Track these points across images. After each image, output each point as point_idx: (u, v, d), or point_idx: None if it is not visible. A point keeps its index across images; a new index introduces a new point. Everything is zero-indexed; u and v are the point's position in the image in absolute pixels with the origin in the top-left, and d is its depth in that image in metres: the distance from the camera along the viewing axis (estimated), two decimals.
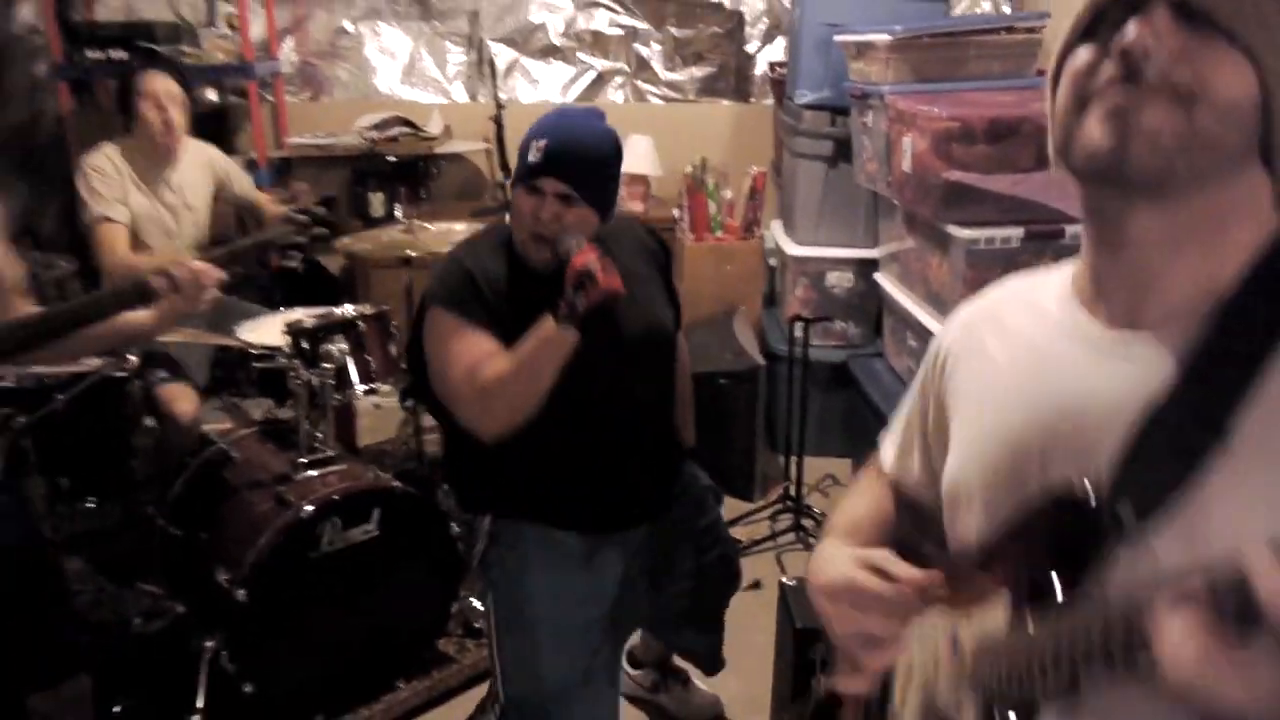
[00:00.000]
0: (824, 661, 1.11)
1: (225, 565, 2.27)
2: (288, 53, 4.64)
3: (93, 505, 2.46)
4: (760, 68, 4.77)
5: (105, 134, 3.19)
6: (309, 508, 2.23)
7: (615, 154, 1.80)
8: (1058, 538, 0.78)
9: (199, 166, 3.17)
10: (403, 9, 4.66)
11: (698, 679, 2.47)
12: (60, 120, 4.33)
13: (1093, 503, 0.74)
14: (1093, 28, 0.78)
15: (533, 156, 1.69)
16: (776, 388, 3.62)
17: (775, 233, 4.22)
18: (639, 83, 4.84)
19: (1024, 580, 0.79)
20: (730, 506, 3.42)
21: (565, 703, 1.85)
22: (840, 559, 0.97)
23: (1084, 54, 0.78)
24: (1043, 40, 3.27)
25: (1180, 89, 0.72)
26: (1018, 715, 0.77)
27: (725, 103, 4.83)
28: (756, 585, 2.90)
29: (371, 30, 4.69)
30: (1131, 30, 0.73)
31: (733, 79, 4.81)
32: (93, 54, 4.13)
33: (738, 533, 3.12)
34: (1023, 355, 0.89)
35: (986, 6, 4.80)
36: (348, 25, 4.67)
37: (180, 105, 2.99)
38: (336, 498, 2.28)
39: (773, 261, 4.38)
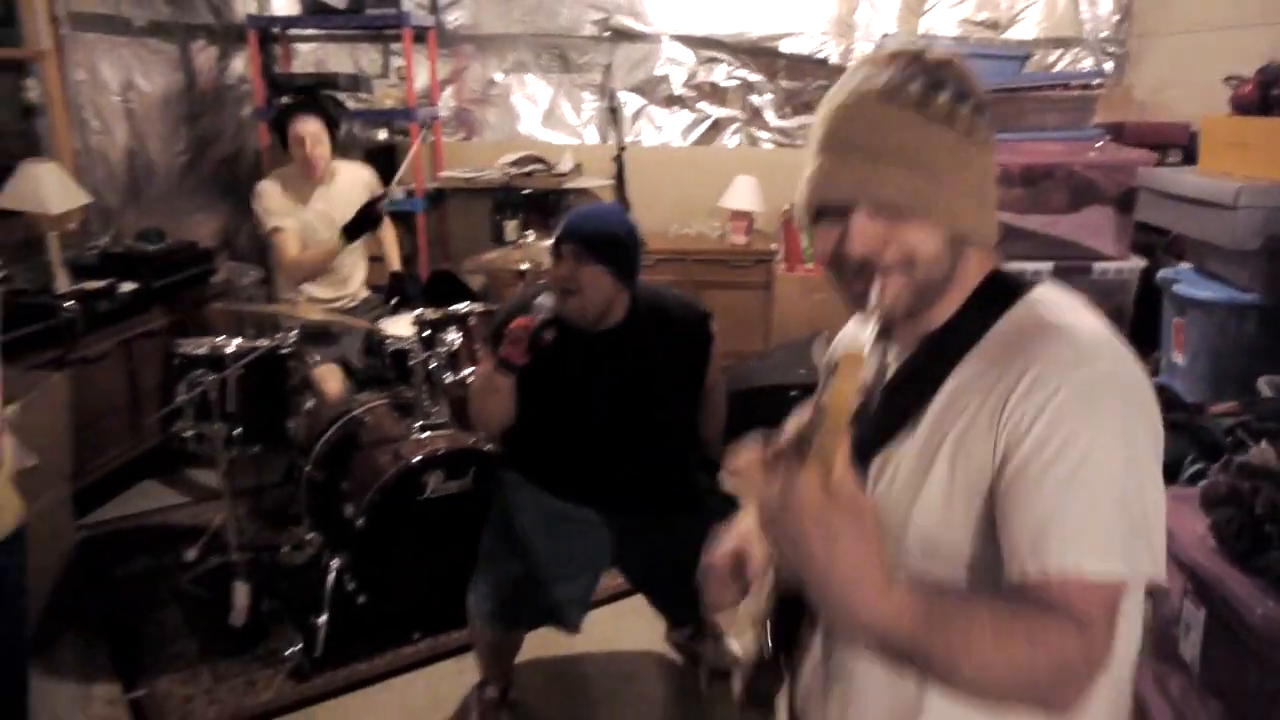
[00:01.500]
0: None
1: (351, 502, 2.86)
2: (446, 99, 5.36)
3: (257, 451, 3.11)
4: None
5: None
6: (417, 459, 2.80)
7: (622, 226, 2.27)
8: None
9: (352, 184, 3.82)
10: (546, 62, 5.32)
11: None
12: (258, 154, 5.17)
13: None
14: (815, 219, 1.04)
15: (556, 235, 2.22)
16: None
17: None
18: (752, 129, 5.33)
19: None
20: None
21: (510, 594, 2.36)
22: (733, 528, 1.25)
23: (821, 236, 1.02)
24: (1099, 96, 3.57)
25: (899, 264, 0.98)
26: (784, 595, 1.11)
27: None
28: None
29: (518, 80, 5.37)
30: (848, 243, 0.98)
31: None
32: (287, 100, 4.94)
33: None
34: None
35: (1089, 63, 5.06)
36: (498, 76, 5.36)
37: (320, 139, 3.65)
38: (440, 453, 2.85)
39: None
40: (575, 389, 2.31)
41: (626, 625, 3.05)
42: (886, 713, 1.03)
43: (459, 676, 2.80)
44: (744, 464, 0.90)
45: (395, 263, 4.09)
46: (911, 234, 0.97)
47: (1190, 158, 3.48)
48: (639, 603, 2.80)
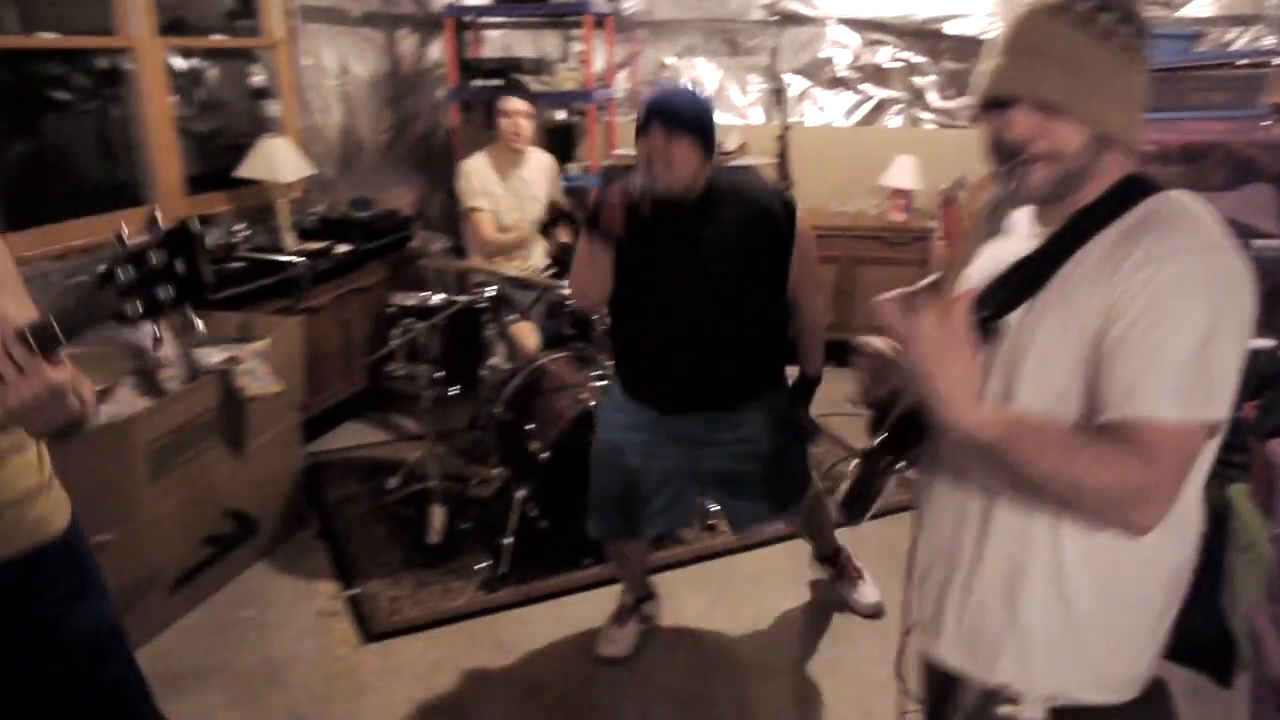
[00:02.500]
0: None
1: (536, 439, 3.24)
2: (620, 82, 5.71)
3: (454, 393, 3.54)
4: None
5: (479, 144, 4.36)
6: (594, 402, 3.15)
7: (703, 101, 2.34)
8: None
9: (540, 168, 4.23)
10: (715, 46, 5.60)
11: (869, 581, 3.11)
12: (450, 133, 5.65)
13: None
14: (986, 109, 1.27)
15: (641, 115, 2.30)
16: None
17: None
18: (914, 110, 5.46)
19: None
20: None
21: (607, 507, 2.65)
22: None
23: (986, 125, 1.22)
24: (1272, 74, 3.56)
25: (1046, 154, 1.17)
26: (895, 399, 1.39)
27: None
28: None
29: (688, 64, 5.67)
30: (1007, 129, 1.19)
31: None
32: (477, 82, 5.38)
33: None
34: (1004, 241, 1.37)
35: (1270, 42, 4.95)
36: (669, 60, 5.67)
37: (527, 117, 4.06)
38: None
39: None
40: (663, 260, 2.38)
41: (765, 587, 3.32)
42: (956, 520, 1.33)
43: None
44: (887, 302, 1.17)
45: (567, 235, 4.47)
46: (1061, 129, 1.16)
47: None
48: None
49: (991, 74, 1.21)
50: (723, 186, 2.39)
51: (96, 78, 4.05)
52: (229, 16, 4.68)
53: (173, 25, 4.10)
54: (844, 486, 1.49)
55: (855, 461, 1.47)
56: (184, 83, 4.41)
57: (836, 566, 3.11)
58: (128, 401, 2.74)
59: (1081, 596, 1.24)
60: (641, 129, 2.29)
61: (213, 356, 3.00)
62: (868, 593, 3.07)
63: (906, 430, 1.36)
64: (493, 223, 4.08)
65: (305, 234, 4.39)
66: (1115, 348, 1.12)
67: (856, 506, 1.46)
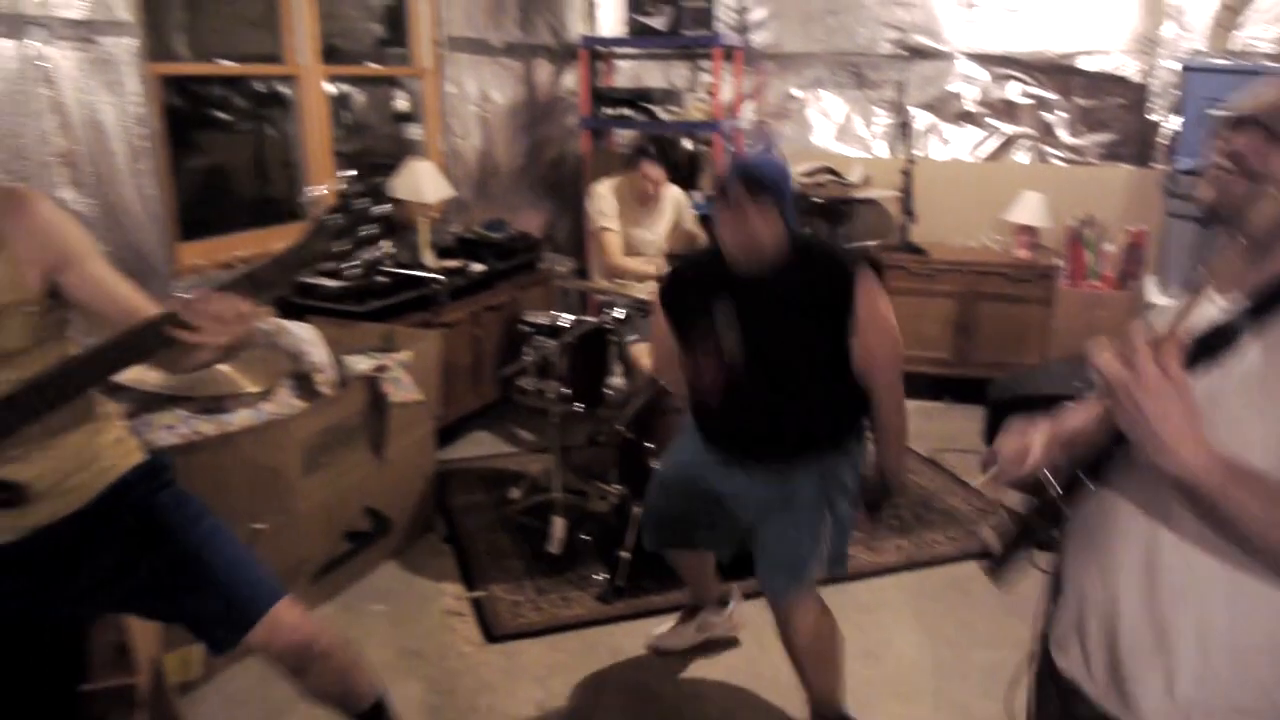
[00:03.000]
0: None
1: (657, 458, 3.35)
2: (747, 112, 5.83)
3: (580, 410, 3.69)
4: (1163, 137, 5.12)
5: (608, 170, 4.53)
6: None
7: (783, 169, 2.33)
8: None
9: (668, 201, 4.39)
10: (841, 79, 5.66)
11: None
12: (579, 159, 5.86)
13: None
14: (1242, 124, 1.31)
15: (722, 185, 2.30)
16: None
17: (1149, 287, 4.59)
18: (1043, 146, 5.41)
19: None
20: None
21: (657, 521, 2.70)
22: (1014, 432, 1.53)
23: (1220, 145, 1.31)
24: None
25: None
26: (1076, 457, 1.39)
27: (1123, 167, 5.24)
28: None
29: (814, 96, 5.75)
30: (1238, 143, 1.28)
31: (1135, 145, 5.22)
32: (608, 111, 5.58)
33: None
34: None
35: None
36: (796, 91, 5.76)
37: (661, 182, 4.29)
38: None
39: (1148, 313, 4.73)
40: (730, 331, 2.37)
41: None
42: (1125, 565, 1.31)
43: (748, 613, 3.22)
44: (1107, 353, 1.16)
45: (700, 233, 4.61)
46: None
47: None
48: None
49: (1249, 95, 1.27)
50: (794, 257, 2.35)
51: (256, 100, 4.37)
52: (379, 45, 4.98)
53: (328, 53, 4.39)
54: (992, 542, 1.50)
55: (1003, 525, 1.49)
56: (334, 106, 4.71)
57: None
58: (287, 402, 2.96)
59: (1259, 644, 1.25)
60: (723, 194, 2.29)
61: (361, 364, 3.21)
62: None
63: (1070, 492, 1.38)
64: (619, 244, 4.25)
65: (443, 252, 4.62)
66: None
67: (1003, 571, 1.49)
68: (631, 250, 4.33)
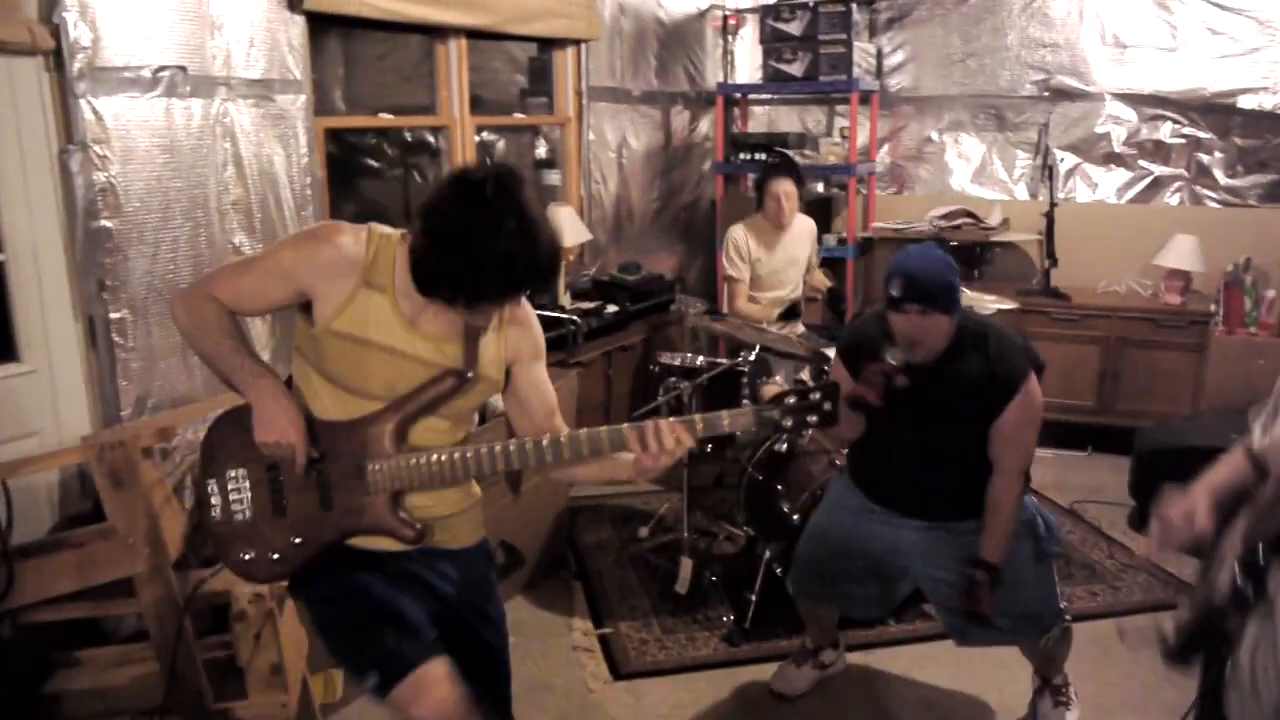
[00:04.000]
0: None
1: (787, 500, 3.35)
2: (882, 156, 5.80)
3: (709, 450, 3.72)
4: None
5: (741, 214, 4.58)
6: None
7: (948, 270, 2.41)
8: None
9: (802, 233, 4.40)
10: (981, 121, 5.58)
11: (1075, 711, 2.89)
12: (713, 203, 5.94)
13: None
14: None
15: (893, 291, 2.40)
16: None
17: None
18: (1196, 188, 5.19)
19: None
20: None
21: (810, 572, 2.79)
22: (1178, 494, 1.53)
23: None
24: None
25: None
26: (1266, 541, 1.34)
27: None
28: None
29: (953, 139, 5.68)
30: None
31: None
32: (743, 155, 5.64)
33: None
34: None
35: None
36: (934, 135, 5.71)
37: (792, 197, 4.25)
38: None
39: None
40: (897, 402, 2.46)
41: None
42: None
43: (863, 662, 3.17)
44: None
45: (824, 280, 4.59)
46: None
47: None
48: None
49: None
50: (965, 338, 2.48)
51: (405, 149, 4.62)
52: (521, 95, 5.19)
53: (473, 102, 4.61)
54: (1171, 628, 1.47)
55: (1186, 605, 1.46)
56: (480, 154, 4.93)
57: (1051, 686, 2.90)
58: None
59: None
60: (893, 306, 2.41)
61: (501, 403, 3.33)
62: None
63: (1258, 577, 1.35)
64: (745, 294, 4.28)
65: (578, 294, 4.76)
66: None
67: (1188, 653, 1.46)
68: (766, 285, 4.34)
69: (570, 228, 4.53)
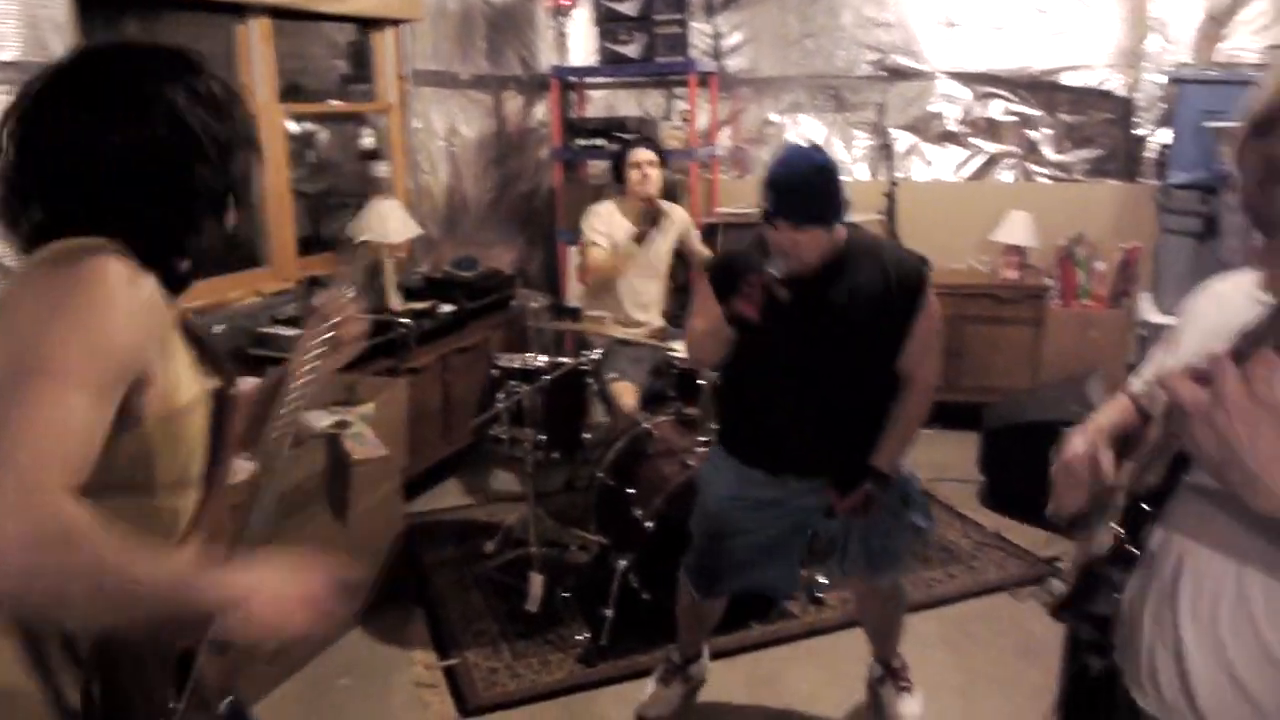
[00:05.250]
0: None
1: (640, 506, 3.15)
2: (724, 139, 5.68)
3: (557, 457, 3.48)
4: (1150, 151, 4.99)
5: (583, 202, 4.34)
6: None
7: (827, 177, 2.20)
8: None
9: (671, 219, 4.17)
10: (820, 102, 5.52)
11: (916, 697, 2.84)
12: (552, 191, 5.69)
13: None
14: (1266, 129, 1.20)
15: (769, 199, 2.19)
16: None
17: (1144, 304, 4.44)
18: (1028, 164, 5.27)
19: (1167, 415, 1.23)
20: (1061, 544, 3.79)
21: (710, 551, 2.59)
22: (1076, 440, 1.45)
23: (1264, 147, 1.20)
24: None
25: None
26: (1145, 493, 1.24)
27: (1111, 183, 5.10)
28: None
29: (793, 120, 5.60)
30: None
31: (1121, 161, 5.08)
32: (581, 142, 5.42)
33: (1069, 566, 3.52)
34: (1227, 315, 1.28)
35: None
36: (774, 116, 5.62)
37: (656, 166, 4.04)
38: None
39: (1143, 332, 4.58)
40: (785, 326, 2.28)
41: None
42: (1236, 593, 1.19)
43: (729, 673, 3.01)
44: (1177, 378, 1.02)
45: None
46: None
47: None
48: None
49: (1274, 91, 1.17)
50: (855, 251, 2.31)
51: None
52: (344, 82, 4.81)
53: (289, 91, 4.21)
54: (1062, 590, 1.43)
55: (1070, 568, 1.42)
56: (296, 146, 4.53)
57: (892, 671, 2.86)
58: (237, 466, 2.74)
59: None
60: (769, 219, 2.21)
61: (320, 421, 3.00)
62: (911, 708, 2.82)
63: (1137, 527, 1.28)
64: (602, 256, 4.02)
65: (410, 293, 4.43)
66: None
67: (1078, 607, 1.41)
68: (615, 283, 4.11)
69: (397, 222, 4.19)
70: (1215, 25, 4.80)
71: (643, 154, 4.02)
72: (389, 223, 4.14)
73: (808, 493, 2.47)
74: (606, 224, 4.05)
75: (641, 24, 5.18)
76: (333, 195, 4.85)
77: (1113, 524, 1.30)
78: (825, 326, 2.30)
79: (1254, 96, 1.19)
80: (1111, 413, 1.55)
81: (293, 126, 4.42)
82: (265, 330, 3.78)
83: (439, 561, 3.76)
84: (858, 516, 2.44)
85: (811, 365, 2.35)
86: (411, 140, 4.68)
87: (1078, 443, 1.41)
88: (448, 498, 4.37)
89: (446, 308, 4.37)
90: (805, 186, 2.19)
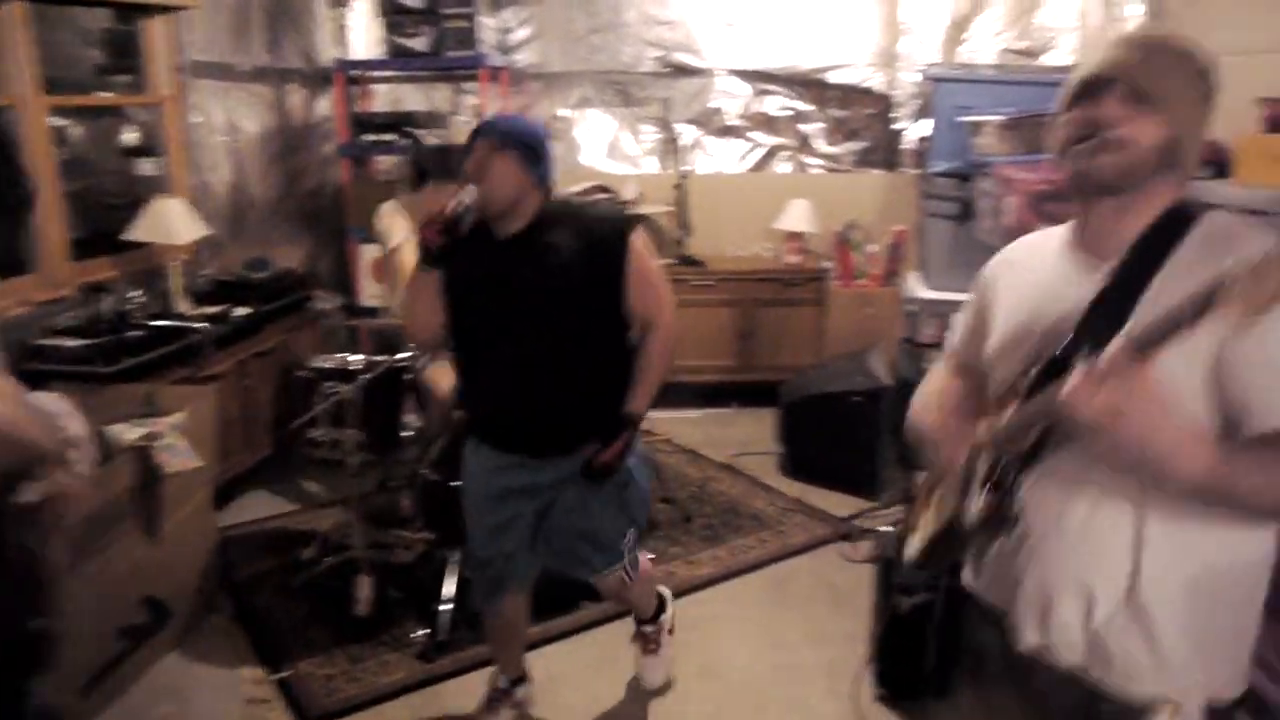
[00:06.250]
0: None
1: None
2: None
3: (375, 458, 3.42)
4: (908, 143, 5.48)
5: (372, 199, 4.21)
6: None
7: (534, 127, 2.33)
8: (1047, 365, 1.31)
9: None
10: (608, 97, 5.66)
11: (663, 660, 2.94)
12: (340, 188, 5.52)
13: (1060, 350, 1.29)
14: (1077, 99, 1.34)
15: (473, 131, 2.27)
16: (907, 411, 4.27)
17: (913, 282, 4.87)
18: (802, 156, 5.64)
19: (1027, 390, 1.32)
20: (855, 504, 4.12)
21: (486, 554, 2.53)
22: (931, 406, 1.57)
23: (1072, 114, 1.30)
24: None
25: (1121, 141, 1.26)
26: (1013, 462, 1.33)
27: (876, 172, 5.56)
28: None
29: (582, 115, 5.71)
30: (1098, 108, 1.30)
31: (884, 152, 5.55)
32: (368, 137, 5.28)
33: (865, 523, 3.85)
34: (1034, 273, 1.45)
35: None
36: (563, 111, 5.70)
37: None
38: None
39: (913, 308, 5.02)
40: (489, 293, 2.29)
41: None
42: (1094, 559, 1.31)
43: (569, 656, 3.09)
44: (1076, 388, 1.11)
45: None
46: (1144, 122, 1.26)
47: (1223, 172, 3.70)
48: None
49: (1101, 59, 1.30)
50: (554, 217, 2.31)
51: None
52: (99, 73, 4.45)
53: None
54: (916, 544, 1.51)
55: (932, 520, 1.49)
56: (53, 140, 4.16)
57: (641, 635, 2.92)
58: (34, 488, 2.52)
59: (1215, 600, 1.29)
60: (468, 143, 2.27)
61: (127, 433, 2.81)
62: (651, 674, 2.94)
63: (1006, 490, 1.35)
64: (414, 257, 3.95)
65: (199, 297, 4.19)
66: (1247, 364, 1.17)
67: (936, 560, 1.50)
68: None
69: (181, 223, 3.95)
70: (957, 30, 5.33)
71: (446, 192, 3.86)
72: (173, 223, 3.91)
73: (533, 484, 2.43)
74: (401, 223, 3.96)
75: (429, 17, 5.12)
76: (94, 195, 4.48)
77: (981, 490, 1.37)
78: (527, 295, 2.28)
79: (1075, 72, 1.33)
80: (942, 385, 1.62)
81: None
82: (42, 343, 3.47)
83: (256, 574, 3.61)
84: (609, 472, 2.38)
85: (520, 335, 2.31)
86: (190, 136, 4.41)
87: (940, 437, 1.49)
88: (257, 508, 4.17)
89: (241, 311, 4.17)
90: (515, 122, 2.34)
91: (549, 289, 2.27)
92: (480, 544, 2.55)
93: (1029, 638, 1.40)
